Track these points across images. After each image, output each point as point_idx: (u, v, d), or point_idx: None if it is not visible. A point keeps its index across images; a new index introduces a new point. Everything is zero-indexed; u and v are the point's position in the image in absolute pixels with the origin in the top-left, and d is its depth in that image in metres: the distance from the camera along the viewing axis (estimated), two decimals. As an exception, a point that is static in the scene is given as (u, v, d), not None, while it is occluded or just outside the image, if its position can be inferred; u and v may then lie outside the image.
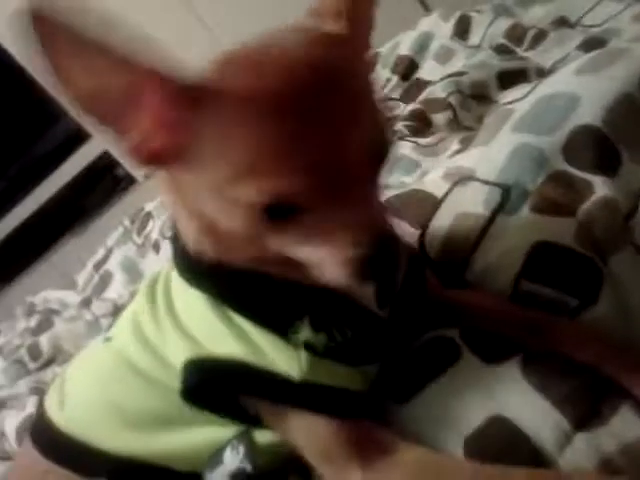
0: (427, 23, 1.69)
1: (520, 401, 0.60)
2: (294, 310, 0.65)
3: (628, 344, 0.63)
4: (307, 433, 0.65)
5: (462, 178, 0.83)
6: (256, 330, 0.65)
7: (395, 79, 1.65)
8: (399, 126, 1.25)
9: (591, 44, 1.32)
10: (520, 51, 1.49)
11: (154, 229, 2.10)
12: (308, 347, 0.64)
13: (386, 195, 0.93)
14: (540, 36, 1.47)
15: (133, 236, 2.18)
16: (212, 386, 0.67)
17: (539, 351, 0.63)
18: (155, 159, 0.56)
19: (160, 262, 1.98)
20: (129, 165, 2.82)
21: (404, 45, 1.69)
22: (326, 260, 0.56)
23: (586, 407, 0.58)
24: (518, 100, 0.88)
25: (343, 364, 0.65)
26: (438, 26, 1.67)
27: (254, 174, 0.52)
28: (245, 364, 0.64)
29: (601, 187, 0.73)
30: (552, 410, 0.58)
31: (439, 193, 0.84)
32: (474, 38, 1.58)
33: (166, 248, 2.01)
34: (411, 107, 1.32)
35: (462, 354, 0.66)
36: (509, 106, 0.89)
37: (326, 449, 0.64)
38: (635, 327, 0.63)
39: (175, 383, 0.68)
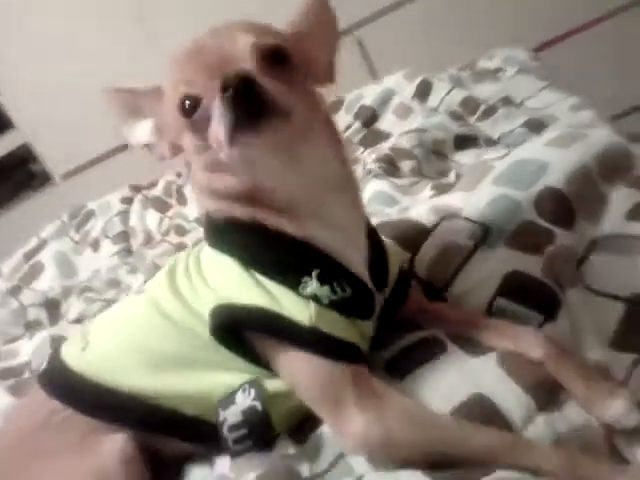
0: (392, 80, 1.90)
1: (496, 384, 0.75)
2: (302, 265, 0.80)
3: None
4: (311, 373, 0.78)
5: (449, 214, 1.00)
6: (272, 284, 0.79)
7: (357, 125, 1.84)
8: (373, 166, 1.42)
9: (534, 124, 1.56)
10: (472, 120, 1.72)
11: (95, 227, 2.13)
12: (315, 300, 0.78)
13: (375, 221, 1.08)
14: (490, 110, 1.71)
15: (70, 232, 2.19)
16: (235, 326, 0.80)
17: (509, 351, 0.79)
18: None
19: (98, 260, 2.02)
20: (49, 163, 2.81)
21: (368, 96, 1.89)
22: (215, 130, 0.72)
23: (548, 394, 0.74)
24: (497, 159, 1.08)
25: (343, 316, 0.79)
26: (401, 85, 1.88)
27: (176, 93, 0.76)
28: (264, 309, 0.78)
29: (561, 236, 0.92)
30: (522, 393, 0.73)
31: (427, 223, 1.00)
32: (432, 101, 1.80)
33: (106, 247, 2.05)
34: (384, 152, 1.49)
35: (447, 347, 0.82)
36: (489, 163, 1.08)
37: (327, 388, 0.77)
38: (583, 345, 0.80)
39: (201, 330, 0.81)
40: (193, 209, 2.01)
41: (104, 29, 2.47)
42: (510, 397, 0.73)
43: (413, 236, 0.99)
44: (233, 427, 0.81)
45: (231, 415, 0.81)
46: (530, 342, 0.79)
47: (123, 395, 0.85)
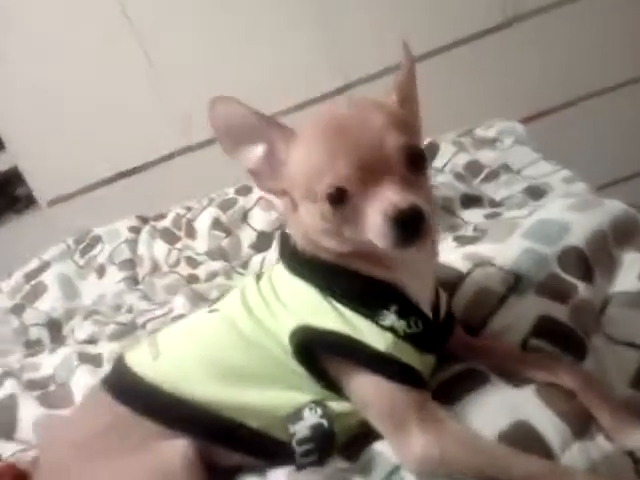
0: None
1: (536, 413, 0.85)
2: (383, 300, 0.90)
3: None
4: (382, 396, 0.87)
5: (482, 262, 1.12)
6: (351, 313, 0.89)
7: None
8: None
9: (533, 191, 1.72)
10: (475, 182, 1.87)
11: (102, 254, 2.18)
12: (391, 331, 0.88)
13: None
14: (492, 175, 1.86)
15: (75, 256, 2.24)
16: (313, 347, 0.89)
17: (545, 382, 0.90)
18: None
19: (103, 285, 2.07)
20: (36, 188, 2.83)
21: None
22: (369, 232, 0.81)
23: (582, 423, 0.84)
24: (521, 217, 1.21)
25: (415, 348, 0.89)
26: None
27: (319, 176, 0.82)
28: (343, 334, 0.88)
29: (582, 290, 1.05)
30: (559, 422, 0.83)
31: (462, 269, 1.12)
32: (439, 163, 1.95)
33: (112, 273, 2.10)
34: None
35: (490, 378, 0.92)
36: (514, 220, 1.22)
37: (395, 411, 0.86)
38: (609, 383, 0.92)
39: (273, 348, 0.90)
40: (203, 243, 2.09)
41: (102, 54, 2.52)
42: (548, 425, 0.83)
43: (449, 279, 1.10)
44: (301, 441, 0.89)
45: (300, 430, 0.89)
46: (565, 374, 0.89)
47: (191, 403, 0.92)
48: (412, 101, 0.94)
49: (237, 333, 0.94)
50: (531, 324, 0.99)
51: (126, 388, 0.97)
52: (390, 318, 0.88)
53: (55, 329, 1.98)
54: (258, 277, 1.01)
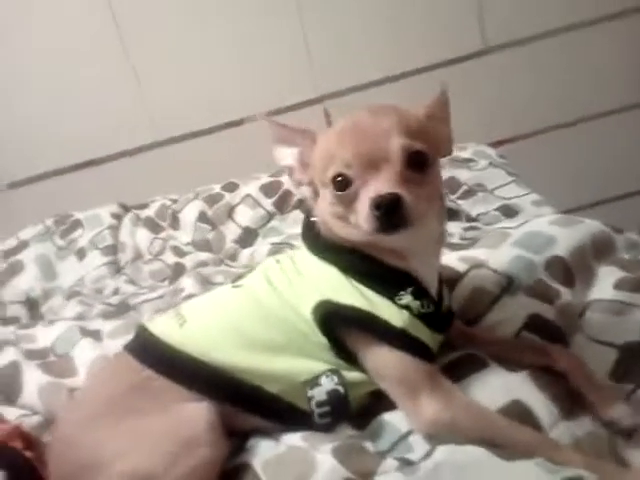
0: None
1: (530, 394, 0.97)
2: (400, 282, 1.01)
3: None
4: (397, 367, 0.98)
5: (478, 264, 1.24)
6: (370, 292, 1.00)
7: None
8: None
9: (507, 210, 1.86)
10: (453, 197, 2.00)
11: (83, 237, 2.21)
12: (407, 309, 0.98)
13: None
14: (469, 192, 2.00)
15: (54, 237, 2.25)
16: (334, 320, 0.99)
17: (539, 368, 1.01)
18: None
19: (83, 268, 2.10)
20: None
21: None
22: (359, 217, 0.93)
23: (567, 404, 0.96)
24: (512, 228, 1.35)
25: (427, 327, 1.00)
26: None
27: (330, 164, 0.96)
28: (363, 310, 0.98)
29: (565, 294, 1.18)
30: (549, 402, 0.95)
31: (459, 269, 1.24)
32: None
33: (94, 257, 2.13)
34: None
35: (488, 363, 1.04)
36: (505, 230, 1.35)
37: (408, 380, 0.97)
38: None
39: (294, 320, 1.00)
40: (186, 234, 2.15)
41: (83, 44, 2.54)
42: (540, 406, 0.95)
43: (447, 277, 1.21)
44: (319, 404, 0.99)
45: (317, 394, 0.99)
46: (558, 356, 1.02)
47: (216, 368, 1.01)
48: (440, 121, 1.06)
49: (260, 306, 1.03)
50: (523, 321, 1.12)
51: (152, 352, 1.04)
52: (406, 298, 0.99)
53: (33, 307, 2.01)
54: (277, 260, 1.11)
